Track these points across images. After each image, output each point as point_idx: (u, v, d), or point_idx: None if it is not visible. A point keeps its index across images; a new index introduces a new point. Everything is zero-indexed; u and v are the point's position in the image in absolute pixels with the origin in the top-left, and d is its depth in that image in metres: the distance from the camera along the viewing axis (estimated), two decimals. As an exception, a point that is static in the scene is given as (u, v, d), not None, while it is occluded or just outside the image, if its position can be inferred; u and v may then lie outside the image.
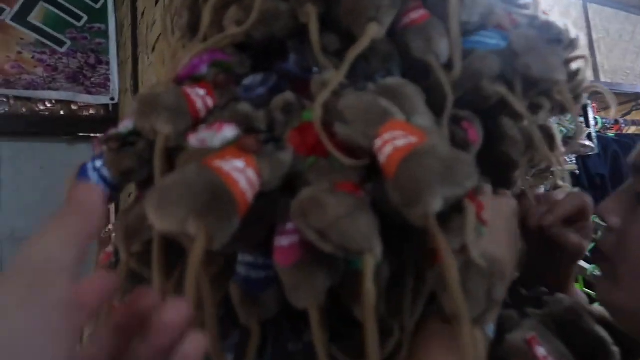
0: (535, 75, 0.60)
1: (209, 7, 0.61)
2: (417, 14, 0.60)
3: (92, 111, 2.18)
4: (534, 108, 0.66)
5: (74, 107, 2.07)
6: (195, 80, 0.58)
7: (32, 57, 2.07)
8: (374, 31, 0.55)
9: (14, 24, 2.10)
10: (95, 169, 0.59)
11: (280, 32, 0.59)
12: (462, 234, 0.45)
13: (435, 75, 0.57)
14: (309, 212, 0.44)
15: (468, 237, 0.46)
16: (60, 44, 2.14)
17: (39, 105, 2.01)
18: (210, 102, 0.55)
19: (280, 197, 0.50)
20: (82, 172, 0.59)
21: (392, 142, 0.46)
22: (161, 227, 0.38)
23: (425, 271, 0.55)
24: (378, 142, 0.47)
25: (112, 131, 0.61)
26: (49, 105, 2.03)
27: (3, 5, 2.11)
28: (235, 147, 0.44)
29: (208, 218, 0.38)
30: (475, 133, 0.62)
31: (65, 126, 2.02)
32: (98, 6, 2.32)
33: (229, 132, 0.48)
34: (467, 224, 0.46)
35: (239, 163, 0.42)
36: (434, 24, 0.59)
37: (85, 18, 2.28)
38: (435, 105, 0.57)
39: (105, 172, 0.58)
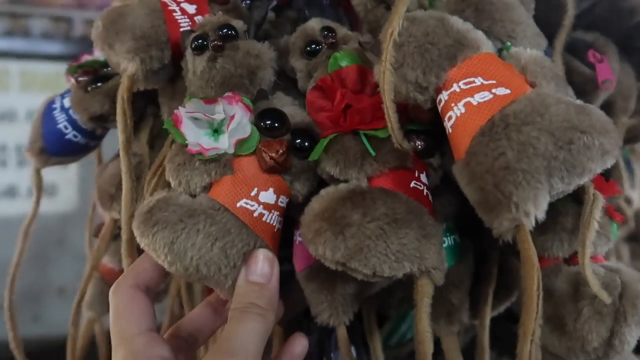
0: None
1: None
2: None
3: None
4: None
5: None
6: (186, -12, 0.41)
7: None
8: None
9: None
10: (64, 109, 0.45)
11: None
12: (576, 235, 0.32)
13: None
14: (319, 239, 0.30)
15: (585, 245, 0.29)
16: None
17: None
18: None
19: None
20: (47, 113, 0.46)
21: (465, 98, 0.28)
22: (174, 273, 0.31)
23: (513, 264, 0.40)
24: (443, 97, 0.29)
25: (85, 58, 0.47)
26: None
27: None
28: (257, 165, 0.32)
29: None
30: (607, 69, 0.42)
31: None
32: None
33: (240, 120, 0.32)
34: (587, 223, 0.29)
35: (269, 195, 0.32)
36: None
37: None
38: (545, 25, 0.37)
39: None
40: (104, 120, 0.42)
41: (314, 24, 0.38)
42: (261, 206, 0.32)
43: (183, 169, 0.33)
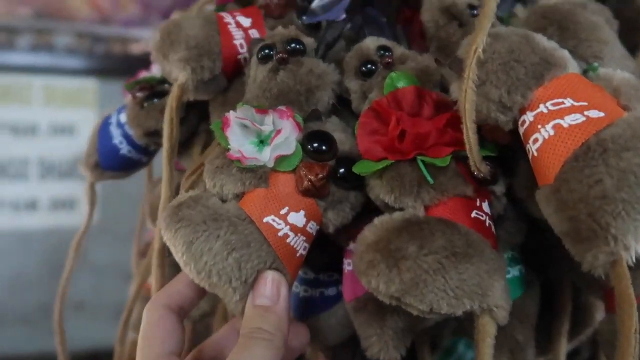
0: None
1: None
2: None
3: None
4: None
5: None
6: (242, 2, 0.41)
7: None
8: None
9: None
10: (120, 124, 0.46)
11: None
12: None
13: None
14: (372, 271, 0.28)
15: None
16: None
17: (133, 44, 1.98)
18: (257, 36, 0.38)
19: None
20: (103, 128, 0.47)
21: (555, 120, 0.27)
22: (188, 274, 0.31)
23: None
24: (527, 118, 0.27)
25: (143, 74, 0.47)
26: (142, 44, 1.99)
27: None
28: (294, 184, 0.32)
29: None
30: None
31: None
32: None
33: (288, 136, 0.32)
34: None
35: (299, 218, 0.31)
36: None
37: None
38: (624, 41, 0.36)
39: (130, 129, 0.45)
40: (158, 136, 0.42)
41: (370, 42, 0.36)
42: (288, 227, 0.31)
43: (220, 173, 0.32)
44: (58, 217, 1.56)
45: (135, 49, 1.95)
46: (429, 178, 0.30)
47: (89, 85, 1.77)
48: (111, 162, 0.46)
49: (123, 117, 0.45)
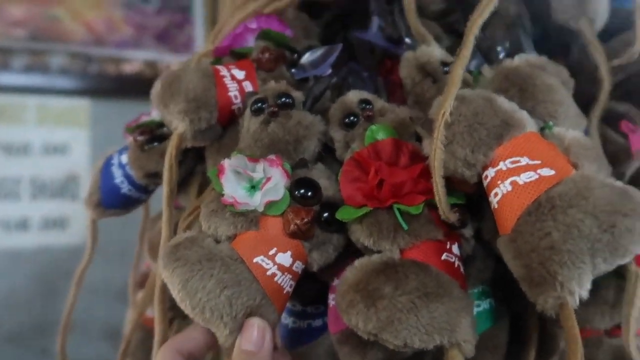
0: None
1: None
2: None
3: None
4: None
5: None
6: (237, 56, 0.44)
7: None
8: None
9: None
10: (121, 165, 0.49)
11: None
12: (617, 309, 0.34)
13: (584, 51, 0.43)
14: (352, 310, 0.31)
15: (629, 323, 0.31)
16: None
17: (126, 65, 1.99)
18: (250, 88, 0.41)
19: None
20: (106, 168, 0.50)
21: (512, 177, 0.31)
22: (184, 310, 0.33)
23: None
24: (489, 174, 0.31)
25: (143, 118, 0.50)
26: (135, 65, 2.00)
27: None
28: (282, 227, 0.35)
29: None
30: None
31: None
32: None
33: (277, 182, 0.35)
34: (631, 302, 0.31)
35: (286, 258, 0.34)
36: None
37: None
38: (580, 94, 0.40)
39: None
40: (158, 177, 0.45)
41: (353, 96, 0.40)
42: (276, 266, 0.34)
43: (214, 216, 0.35)
44: (49, 237, 1.58)
45: (128, 69, 1.98)
46: (403, 225, 0.33)
47: (82, 105, 1.79)
48: (113, 201, 0.49)
49: (124, 159, 0.48)
